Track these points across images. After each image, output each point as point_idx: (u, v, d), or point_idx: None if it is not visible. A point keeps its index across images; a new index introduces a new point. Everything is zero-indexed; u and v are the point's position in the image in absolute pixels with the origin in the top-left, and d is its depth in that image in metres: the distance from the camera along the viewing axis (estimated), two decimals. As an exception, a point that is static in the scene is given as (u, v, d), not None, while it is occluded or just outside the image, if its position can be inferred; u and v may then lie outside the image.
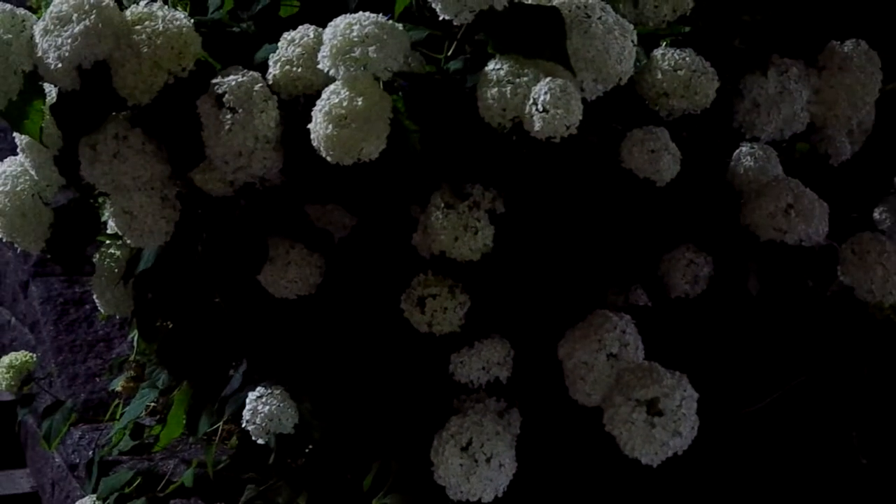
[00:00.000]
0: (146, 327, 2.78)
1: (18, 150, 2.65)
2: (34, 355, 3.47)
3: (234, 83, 2.38)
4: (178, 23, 2.42)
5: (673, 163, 2.44)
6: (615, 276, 2.56)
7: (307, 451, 2.66)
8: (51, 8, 2.39)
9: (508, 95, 2.29)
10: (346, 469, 2.62)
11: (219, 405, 2.70)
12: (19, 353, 3.45)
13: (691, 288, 2.56)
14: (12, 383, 3.34)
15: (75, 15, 2.35)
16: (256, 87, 2.38)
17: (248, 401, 2.54)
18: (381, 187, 2.44)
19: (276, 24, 2.62)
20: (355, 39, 2.30)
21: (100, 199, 2.62)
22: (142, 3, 2.46)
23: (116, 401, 3.16)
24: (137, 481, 2.89)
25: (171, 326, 2.73)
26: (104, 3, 2.38)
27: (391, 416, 2.56)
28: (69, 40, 2.34)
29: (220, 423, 2.73)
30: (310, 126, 2.31)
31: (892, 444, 2.72)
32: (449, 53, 2.48)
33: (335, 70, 2.30)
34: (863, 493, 2.69)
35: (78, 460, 3.15)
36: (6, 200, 2.63)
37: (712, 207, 2.62)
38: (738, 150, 2.67)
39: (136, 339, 3.03)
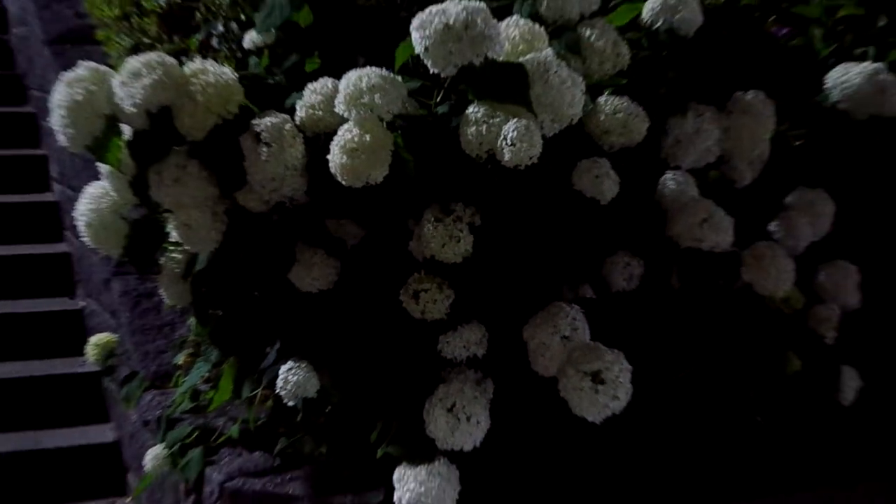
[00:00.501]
0: (201, 314, 2.89)
1: (101, 176, 2.79)
2: (115, 336, 3.58)
3: (269, 124, 2.52)
4: (226, 77, 2.56)
5: (613, 185, 2.59)
6: (567, 275, 2.70)
7: (327, 411, 2.75)
8: (126, 65, 2.53)
9: (484, 132, 2.45)
10: (358, 425, 2.70)
11: (258, 375, 2.81)
12: (103, 334, 3.58)
13: (627, 284, 2.71)
14: (98, 358, 3.49)
15: (145, 70, 2.50)
16: (286, 127, 2.53)
17: (280, 372, 2.67)
18: (384, 205, 2.58)
19: (302, 77, 2.73)
20: (364, 89, 2.45)
21: (164, 215, 2.71)
22: (197, 61, 2.60)
23: (178, 372, 3.27)
24: (195, 434, 2.99)
25: (220, 314, 2.84)
26: (168, 61, 2.54)
27: (392, 384, 2.66)
28: (140, 90, 2.49)
29: (259, 389, 2.81)
30: (328, 157, 2.46)
31: (781, 402, 2.85)
32: (437, 100, 2.61)
33: (348, 113, 2.47)
34: (758, 443, 2.83)
35: (149, 418, 3.27)
36: (92, 215, 2.76)
37: (643, 221, 2.74)
38: (663, 176, 2.80)
39: (193, 323, 3.10)
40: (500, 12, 2.66)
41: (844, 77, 3.02)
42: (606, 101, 2.66)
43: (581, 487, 2.74)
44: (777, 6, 3.42)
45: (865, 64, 3.05)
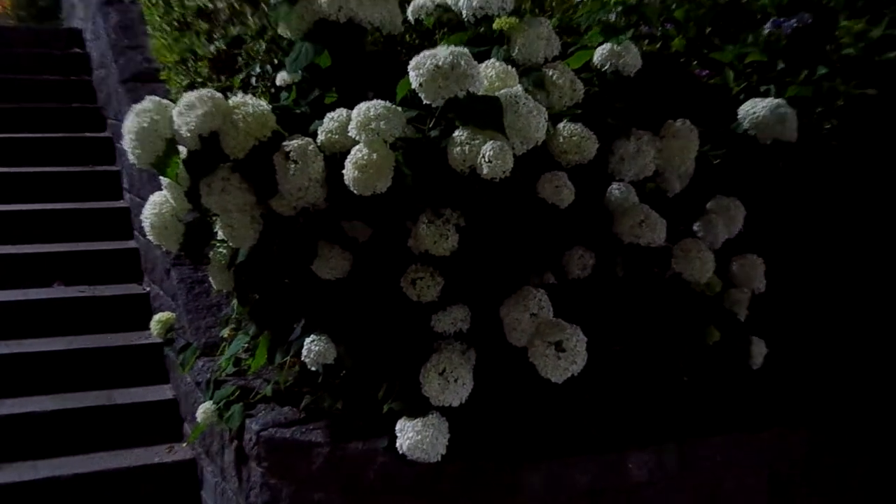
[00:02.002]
0: (242, 297, 2.87)
1: (162, 187, 2.77)
2: (173, 315, 3.57)
3: (296, 145, 2.50)
4: (261, 108, 2.55)
5: (570, 194, 2.57)
6: (534, 265, 2.67)
7: (342, 374, 2.73)
8: (183, 99, 2.52)
9: (467, 152, 2.44)
10: (367, 386, 2.69)
11: (287, 346, 2.76)
12: (165, 313, 3.55)
13: (581, 272, 2.68)
14: (160, 332, 3.46)
15: (198, 103, 2.49)
16: (310, 148, 2.51)
17: (305, 343, 2.65)
18: (388, 210, 2.55)
19: (322, 107, 2.71)
20: (371, 117, 2.44)
21: (212, 218, 2.69)
22: (239, 96, 2.58)
23: (223, 343, 3.23)
24: (237, 392, 2.96)
25: (257, 297, 2.81)
26: (216, 96, 2.53)
27: (394, 353, 2.63)
28: (194, 119, 2.48)
29: (288, 356, 2.77)
30: (343, 171, 2.45)
31: (704, 366, 2.84)
32: (430, 125, 2.59)
33: (359, 136, 2.45)
34: (685, 399, 2.82)
35: (200, 379, 3.22)
36: (155, 218, 2.74)
37: (594, 222, 2.71)
38: (610, 187, 2.76)
39: (235, 304, 3.07)
40: (481, 56, 2.66)
41: (752, 109, 2.99)
42: (564, 127, 2.65)
43: (546, 434, 2.69)
44: (699, 53, 3.40)
45: (769, 99, 3.02)
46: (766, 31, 3.35)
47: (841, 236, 3.16)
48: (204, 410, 3.00)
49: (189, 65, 3.83)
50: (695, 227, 2.89)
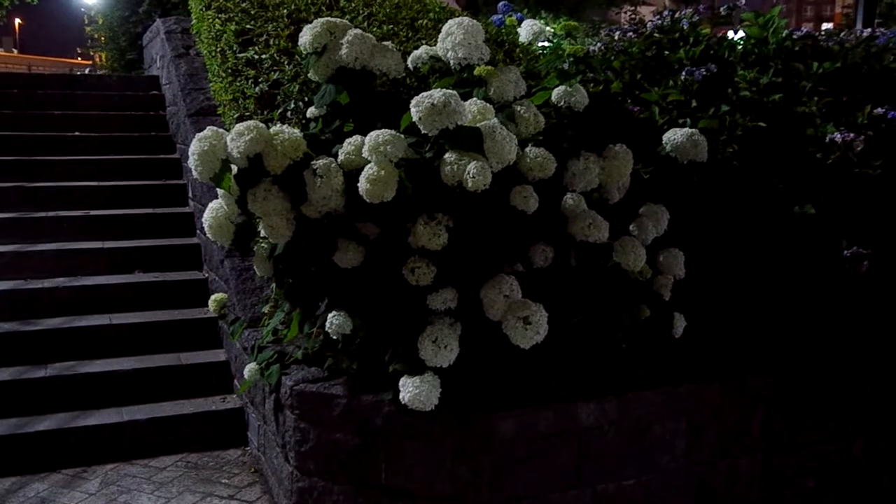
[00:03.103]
0: (279, 281, 2.82)
1: (218, 195, 2.71)
2: (226, 295, 3.56)
3: (322, 164, 2.46)
4: (295, 135, 2.51)
5: (535, 202, 2.53)
6: (507, 257, 2.60)
7: (356, 342, 2.66)
8: (234, 128, 2.48)
9: (455, 169, 2.40)
10: (377, 351, 2.63)
11: (314, 320, 2.74)
12: (219, 294, 3.55)
13: (544, 263, 2.62)
14: (216, 309, 3.45)
15: (246, 132, 2.46)
16: (332, 166, 2.47)
17: (328, 318, 2.62)
18: (393, 214, 2.50)
19: (342, 135, 2.68)
20: (380, 142, 2.40)
21: (256, 220, 2.64)
22: (278, 125, 2.54)
23: (265, 317, 3.18)
24: (275, 356, 2.92)
25: (291, 281, 2.77)
26: (260, 126, 2.48)
27: (398, 325, 2.58)
28: (243, 144, 2.44)
29: (315, 328, 2.74)
30: (358, 184, 2.41)
31: (639, 335, 2.78)
32: (426, 149, 2.53)
33: (371, 157, 2.41)
34: (623, 361, 2.74)
35: (247, 345, 3.16)
36: (212, 220, 2.71)
37: (553, 224, 2.66)
38: (565, 196, 2.71)
39: (274, 287, 3.02)
40: (465, 96, 2.63)
41: (673, 137, 2.95)
42: (530, 150, 2.60)
43: (516, 389, 2.63)
44: (632, 93, 3.38)
45: (685, 129, 2.98)
46: (683, 78, 3.34)
47: (740, 234, 3.10)
48: (249, 369, 2.95)
49: (239, 102, 3.77)
50: (630, 228, 2.83)
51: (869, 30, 3.89)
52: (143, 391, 3.70)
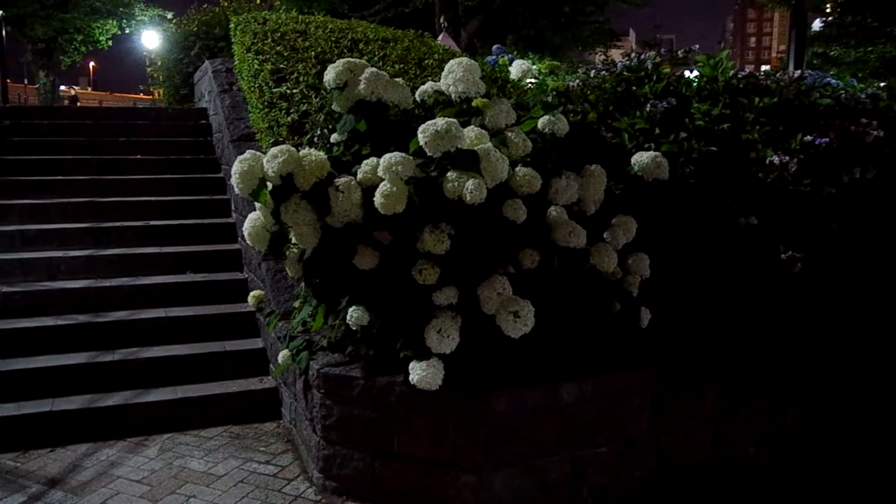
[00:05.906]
0: (308, 281, 2.79)
1: (256, 208, 2.68)
2: (263, 292, 3.52)
3: (343, 181, 2.44)
4: (321, 157, 2.48)
5: (524, 213, 2.50)
6: (500, 260, 2.56)
7: (373, 332, 2.64)
8: (269, 152, 2.45)
9: (456, 186, 2.38)
10: (389, 340, 2.61)
11: (337, 313, 2.72)
12: (257, 291, 3.52)
13: (531, 265, 2.58)
14: (254, 304, 3.43)
15: (280, 155, 2.43)
16: (352, 183, 2.45)
17: (349, 311, 2.59)
18: (403, 224, 2.48)
19: (361, 157, 2.65)
20: (393, 163, 2.38)
21: (288, 229, 2.62)
22: (306, 149, 2.51)
23: (295, 311, 3.11)
24: (304, 344, 2.89)
25: (317, 281, 2.74)
26: (291, 149, 2.45)
27: (407, 318, 2.56)
28: (277, 164, 2.42)
29: (337, 320, 2.72)
30: (374, 198, 2.38)
31: (612, 326, 2.75)
32: (432, 168, 2.51)
33: (385, 175, 2.39)
34: (598, 348, 2.72)
35: (280, 335, 3.11)
36: (251, 229, 2.67)
37: (540, 232, 2.62)
38: (549, 209, 2.67)
39: (303, 286, 2.97)
40: (464, 124, 2.60)
41: (640, 159, 2.92)
42: (520, 170, 2.57)
43: (507, 372, 2.60)
44: (605, 122, 3.33)
45: (650, 152, 2.95)
46: (648, 109, 3.31)
47: (697, 240, 3.06)
48: (282, 355, 2.93)
49: (274, 130, 3.74)
50: (604, 235, 2.81)
51: (799, 71, 3.91)
52: (194, 373, 3.66)
